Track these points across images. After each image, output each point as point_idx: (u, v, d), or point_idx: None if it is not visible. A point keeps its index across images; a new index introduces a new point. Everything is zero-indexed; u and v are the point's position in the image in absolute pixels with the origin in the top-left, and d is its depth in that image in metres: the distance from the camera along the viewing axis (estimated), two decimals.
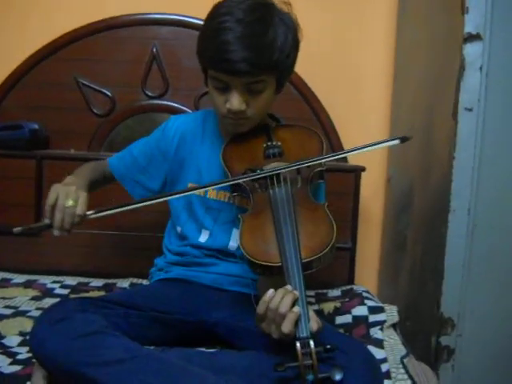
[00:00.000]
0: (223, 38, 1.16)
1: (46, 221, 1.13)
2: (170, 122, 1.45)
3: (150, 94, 1.99)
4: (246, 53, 1.15)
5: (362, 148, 1.19)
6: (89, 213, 1.14)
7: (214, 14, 1.23)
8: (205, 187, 1.29)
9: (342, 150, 1.97)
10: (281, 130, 1.37)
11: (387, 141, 1.21)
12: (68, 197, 1.12)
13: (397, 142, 1.18)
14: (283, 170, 1.19)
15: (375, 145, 1.19)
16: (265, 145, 1.29)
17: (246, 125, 1.30)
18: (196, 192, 1.36)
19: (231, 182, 1.23)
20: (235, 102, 1.22)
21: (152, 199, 1.19)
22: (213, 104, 1.30)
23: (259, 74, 1.20)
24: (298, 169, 1.21)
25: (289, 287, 1.00)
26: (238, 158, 1.29)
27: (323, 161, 1.22)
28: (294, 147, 1.30)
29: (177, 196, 1.25)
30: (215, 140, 1.40)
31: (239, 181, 1.21)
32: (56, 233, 1.12)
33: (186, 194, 1.33)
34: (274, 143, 1.29)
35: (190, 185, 1.38)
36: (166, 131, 1.43)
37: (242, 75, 1.18)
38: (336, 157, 1.24)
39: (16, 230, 1.10)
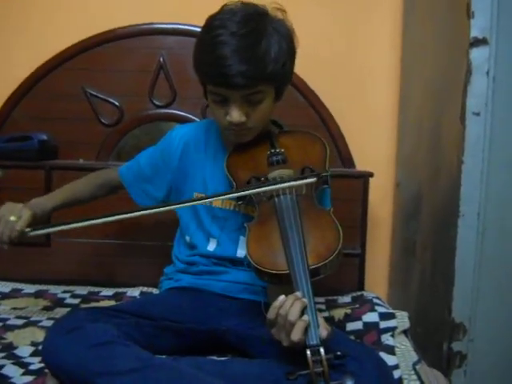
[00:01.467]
0: (218, 52, 1.17)
1: None
2: (174, 132, 1.46)
3: (157, 103, 2.00)
4: (242, 66, 1.16)
5: (278, 184, 1.19)
6: (27, 230, 1.26)
7: (208, 27, 1.24)
8: (201, 200, 1.27)
9: (350, 157, 1.98)
10: (284, 136, 1.37)
11: (304, 177, 1.21)
12: (11, 213, 1.26)
13: (313, 179, 1.19)
14: (285, 185, 1.18)
15: (293, 180, 1.19)
16: (268, 152, 1.30)
17: (248, 135, 1.31)
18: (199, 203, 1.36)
19: (236, 195, 1.22)
20: (235, 114, 1.23)
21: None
22: (213, 117, 1.31)
23: (256, 85, 1.21)
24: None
25: (298, 294, 1.00)
26: (242, 166, 1.30)
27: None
28: (297, 153, 1.30)
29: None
30: (219, 149, 1.40)
31: (245, 193, 1.21)
32: None
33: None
34: (278, 150, 1.30)
35: (195, 194, 1.38)
36: (170, 141, 1.44)
37: (239, 88, 1.19)
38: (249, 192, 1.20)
39: None
